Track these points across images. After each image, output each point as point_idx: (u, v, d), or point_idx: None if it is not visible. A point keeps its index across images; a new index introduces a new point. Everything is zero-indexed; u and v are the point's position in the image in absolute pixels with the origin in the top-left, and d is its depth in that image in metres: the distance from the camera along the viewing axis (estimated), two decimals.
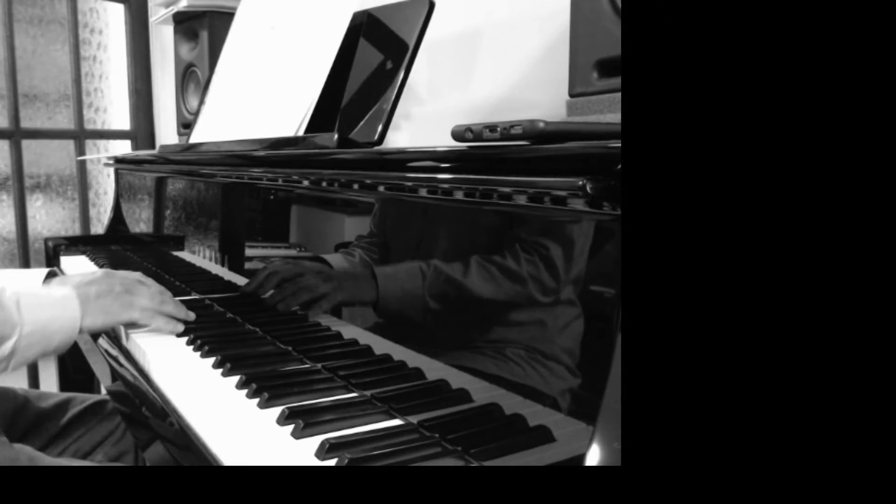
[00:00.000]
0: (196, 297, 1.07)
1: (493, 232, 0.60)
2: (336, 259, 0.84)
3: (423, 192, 0.63)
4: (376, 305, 0.71)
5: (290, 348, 0.79)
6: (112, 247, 1.65)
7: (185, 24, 1.72)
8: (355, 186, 0.74)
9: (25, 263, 2.17)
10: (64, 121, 2.35)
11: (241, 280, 1.06)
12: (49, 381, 1.86)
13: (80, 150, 2.26)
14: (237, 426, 0.61)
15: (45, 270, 1.04)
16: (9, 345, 0.74)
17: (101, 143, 2.49)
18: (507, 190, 0.53)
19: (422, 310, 0.64)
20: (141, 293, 0.87)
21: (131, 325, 0.88)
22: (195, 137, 1.25)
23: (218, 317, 0.95)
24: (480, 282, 0.58)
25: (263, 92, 1.09)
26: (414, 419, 0.59)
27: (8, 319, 0.75)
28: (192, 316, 0.89)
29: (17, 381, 0.80)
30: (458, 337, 0.62)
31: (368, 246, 0.78)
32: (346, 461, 0.51)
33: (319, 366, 0.73)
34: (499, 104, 1.11)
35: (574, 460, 0.49)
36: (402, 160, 0.65)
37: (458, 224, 0.64)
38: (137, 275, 1.01)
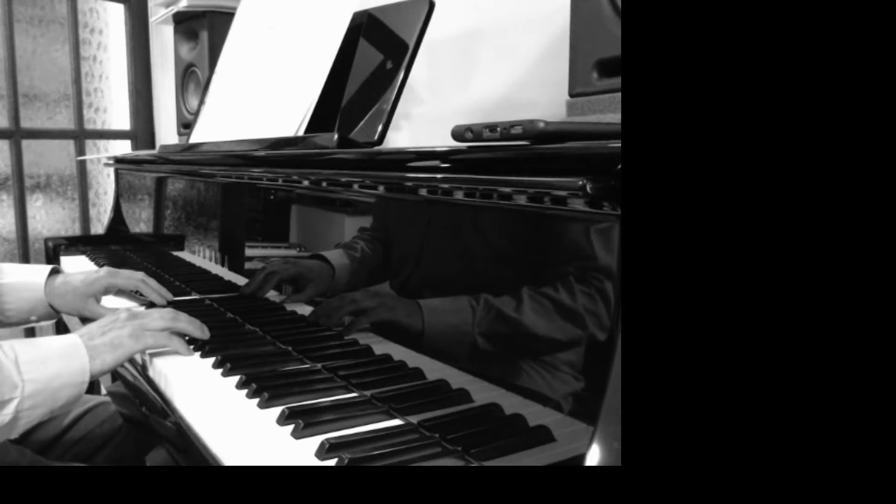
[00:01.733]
0: (196, 297, 1.07)
1: (494, 233, 0.60)
2: (337, 254, 0.84)
3: (423, 192, 0.63)
4: (421, 338, 0.68)
5: (290, 348, 0.79)
6: (112, 247, 1.65)
7: (185, 24, 1.72)
8: (355, 186, 0.74)
9: (25, 263, 2.17)
10: (64, 121, 2.35)
11: (241, 280, 1.06)
12: None
13: (80, 150, 2.27)
14: (237, 426, 0.61)
15: (48, 267, 1.03)
16: (10, 409, 0.66)
17: (101, 143, 2.49)
18: (507, 190, 0.53)
19: (469, 346, 0.61)
20: (150, 315, 0.80)
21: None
22: (195, 137, 1.25)
23: (218, 317, 0.95)
24: (534, 316, 0.55)
25: (263, 92, 1.09)
26: (414, 419, 0.59)
27: (7, 380, 0.66)
28: (207, 334, 0.81)
29: None
30: (471, 350, 0.62)
31: (371, 238, 0.78)
32: (346, 461, 0.51)
33: (319, 366, 0.73)
34: (499, 104, 1.11)
35: (574, 460, 0.49)
36: (402, 160, 0.65)
37: (460, 225, 0.64)
38: (140, 275, 1.01)
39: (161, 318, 0.79)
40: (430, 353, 0.67)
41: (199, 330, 0.81)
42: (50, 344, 0.72)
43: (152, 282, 1.01)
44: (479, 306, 0.60)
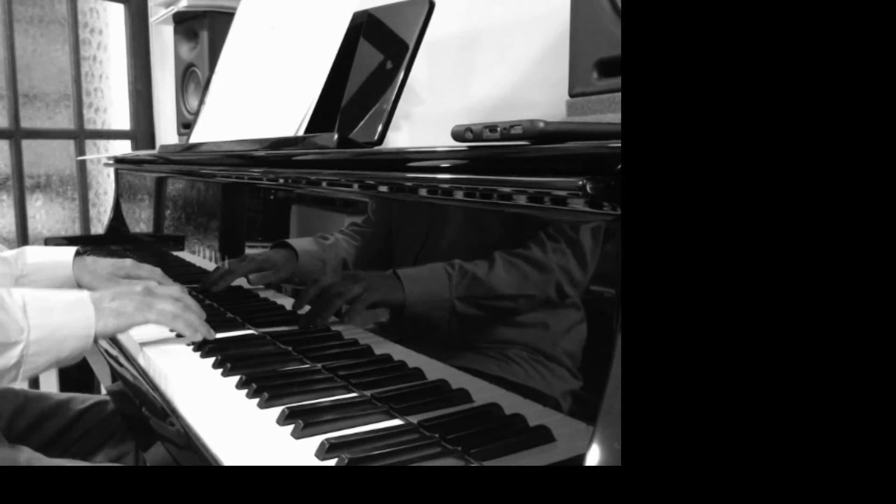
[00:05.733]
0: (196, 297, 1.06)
1: (493, 233, 0.60)
2: (305, 243, 0.85)
3: (423, 192, 0.63)
4: (403, 309, 0.69)
5: (290, 348, 0.79)
6: (112, 247, 1.65)
7: (185, 24, 1.72)
8: (355, 186, 0.74)
9: None
10: (64, 121, 2.35)
11: (241, 280, 1.06)
12: (49, 382, 1.85)
13: (80, 150, 2.26)
14: (237, 426, 0.61)
15: (72, 248, 1.03)
16: (15, 352, 0.68)
17: (101, 143, 2.48)
18: (507, 190, 0.53)
19: (449, 311, 0.62)
20: (163, 297, 0.80)
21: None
22: (195, 137, 1.25)
23: (218, 317, 0.95)
24: (507, 276, 0.56)
25: (263, 92, 1.09)
26: (414, 419, 0.59)
27: (13, 323, 0.68)
28: (212, 334, 0.81)
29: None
30: (462, 338, 0.62)
31: (352, 234, 0.78)
32: (346, 461, 0.51)
33: (319, 366, 0.73)
34: (499, 104, 1.11)
35: (574, 460, 0.49)
36: (402, 160, 0.65)
37: (463, 225, 0.64)
38: (159, 270, 1.04)
39: (173, 305, 0.80)
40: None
41: (203, 327, 0.81)
42: (59, 296, 0.74)
43: (168, 280, 1.04)
44: (467, 307, 0.60)
